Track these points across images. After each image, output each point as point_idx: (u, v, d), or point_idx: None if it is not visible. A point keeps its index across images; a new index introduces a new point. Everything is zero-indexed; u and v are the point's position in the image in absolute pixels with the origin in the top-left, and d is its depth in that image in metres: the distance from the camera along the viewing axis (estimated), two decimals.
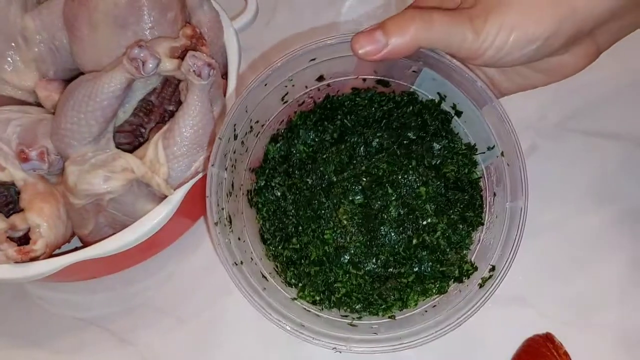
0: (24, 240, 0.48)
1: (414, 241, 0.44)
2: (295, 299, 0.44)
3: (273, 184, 0.46)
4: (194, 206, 0.55)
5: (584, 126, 0.61)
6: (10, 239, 0.47)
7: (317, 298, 0.44)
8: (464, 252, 0.45)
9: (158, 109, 0.49)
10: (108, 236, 0.48)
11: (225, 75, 0.53)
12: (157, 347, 0.55)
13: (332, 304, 0.44)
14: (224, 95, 0.51)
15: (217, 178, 0.42)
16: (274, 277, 0.44)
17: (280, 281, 0.45)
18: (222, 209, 0.42)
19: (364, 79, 0.46)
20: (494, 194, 0.45)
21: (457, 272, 0.44)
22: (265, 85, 0.43)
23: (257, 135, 0.46)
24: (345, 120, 0.47)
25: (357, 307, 0.44)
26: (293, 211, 0.45)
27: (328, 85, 0.46)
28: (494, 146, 0.44)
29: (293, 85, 0.45)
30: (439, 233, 0.44)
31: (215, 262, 0.58)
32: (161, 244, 0.56)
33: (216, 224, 0.41)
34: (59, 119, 0.47)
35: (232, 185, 0.44)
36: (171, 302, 0.57)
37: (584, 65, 0.42)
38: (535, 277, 0.56)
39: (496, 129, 0.43)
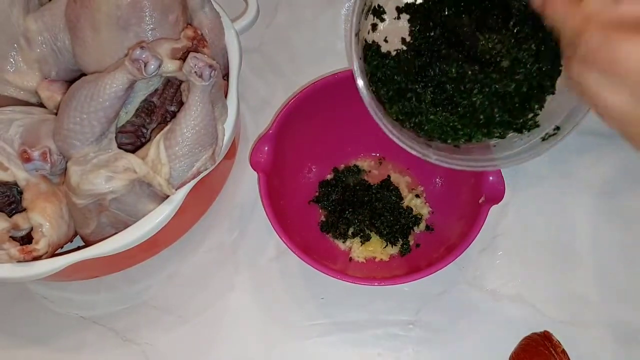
0: (26, 239, 0.48)
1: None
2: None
3: None
4: (195, 206, 0.55)
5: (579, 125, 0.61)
6: (13, 238, 0.47)
7: (401, 117, 0.52)
8: (535, 106, 0.51)
9: (160, 109, 0.50)
10: (110, 236, 0.48)
11: (226, 76, 0.53)
12: (160, 345, 0.55)
13: (410, 126, 0.52)
14: (225, 96, 0.51)
15: None
16: None
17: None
18: None
19: None
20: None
21: (520, 124, 0.51)
22: None
23: None
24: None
25: (431, 133, 0.52)
26: None
27: None
28: None
29: None
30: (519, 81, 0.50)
31: (216, 261, 0.59)
32: (163, 243, 0.57)
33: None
34: (61, 119, 0.47)
35: None
36: (173, 301, 0.57)
37: None
38: (533, 276, 0.56)
39: None
